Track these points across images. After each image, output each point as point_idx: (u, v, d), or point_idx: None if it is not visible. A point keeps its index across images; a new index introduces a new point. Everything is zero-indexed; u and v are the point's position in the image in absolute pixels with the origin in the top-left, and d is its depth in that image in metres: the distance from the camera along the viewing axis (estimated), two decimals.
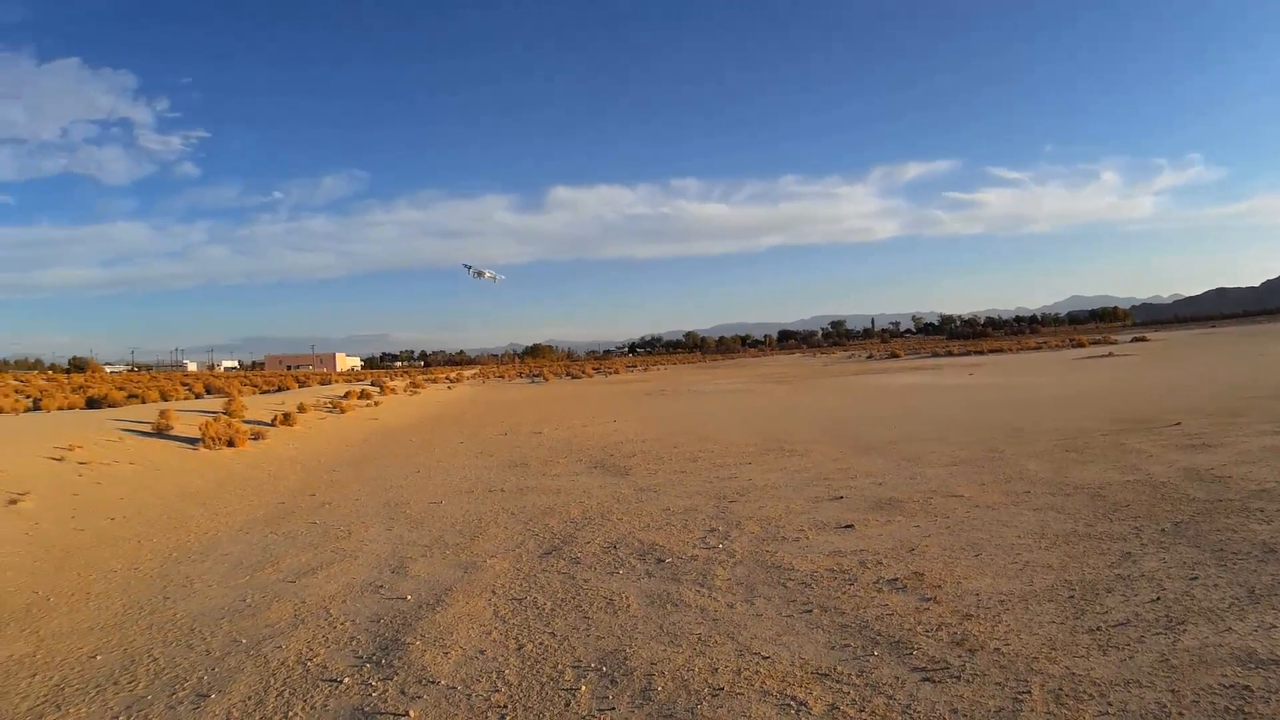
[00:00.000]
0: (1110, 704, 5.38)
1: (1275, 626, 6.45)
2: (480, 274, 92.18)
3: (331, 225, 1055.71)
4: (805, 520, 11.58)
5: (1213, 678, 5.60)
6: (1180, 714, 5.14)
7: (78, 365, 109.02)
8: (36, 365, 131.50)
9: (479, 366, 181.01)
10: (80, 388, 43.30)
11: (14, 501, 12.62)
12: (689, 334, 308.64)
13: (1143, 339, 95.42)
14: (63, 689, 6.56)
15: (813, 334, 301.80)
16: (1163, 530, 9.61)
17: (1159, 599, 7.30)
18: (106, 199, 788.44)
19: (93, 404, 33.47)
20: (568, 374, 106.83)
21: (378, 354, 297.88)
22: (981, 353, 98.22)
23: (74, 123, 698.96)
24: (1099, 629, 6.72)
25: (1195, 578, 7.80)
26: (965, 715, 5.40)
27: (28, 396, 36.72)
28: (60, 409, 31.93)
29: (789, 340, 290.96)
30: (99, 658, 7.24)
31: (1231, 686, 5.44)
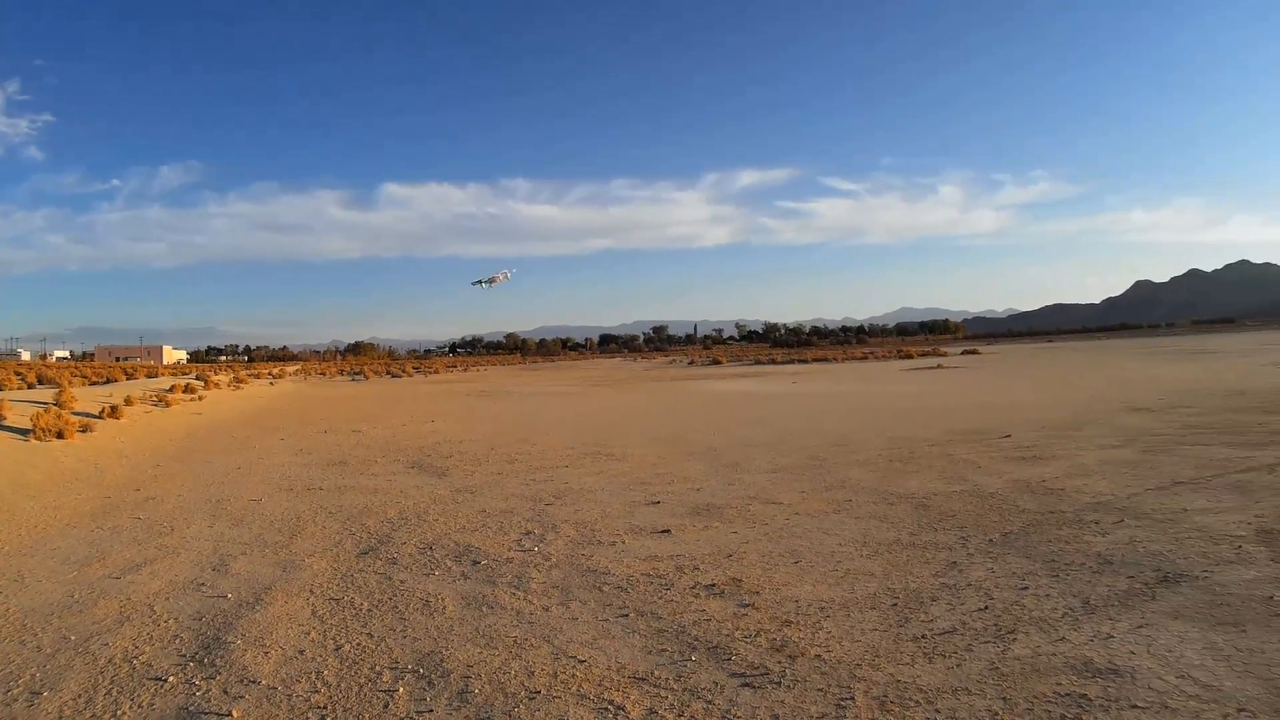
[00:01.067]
0: (939, 710, 5.42)
1: (1112, 636, 6.57)
2: (491, 280, 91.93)
3: (167, 215, 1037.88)
4: (622, 524, 11.68)
5: (1047, 686, 5.68)
6: None
7: None
8: None
9: (302, 363, 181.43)
10: None
11: None
12: (510, 335, 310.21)
13: (974, 351, 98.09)
14: None
15: (635, 339, 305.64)
16: (991, 541, 9.79)
17: (987, 608, 7.42)
18: None
19: None
20: (388, 373, 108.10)
21: (204, 347, 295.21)
22: (806, 361, 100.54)
23: None
24: (924, 636, 6.80)
25: (1026, 588, 7.95)
26: None
27: None
28: None
29: (610, 344, 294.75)
30: None
31: (1068, 695, 5.51)
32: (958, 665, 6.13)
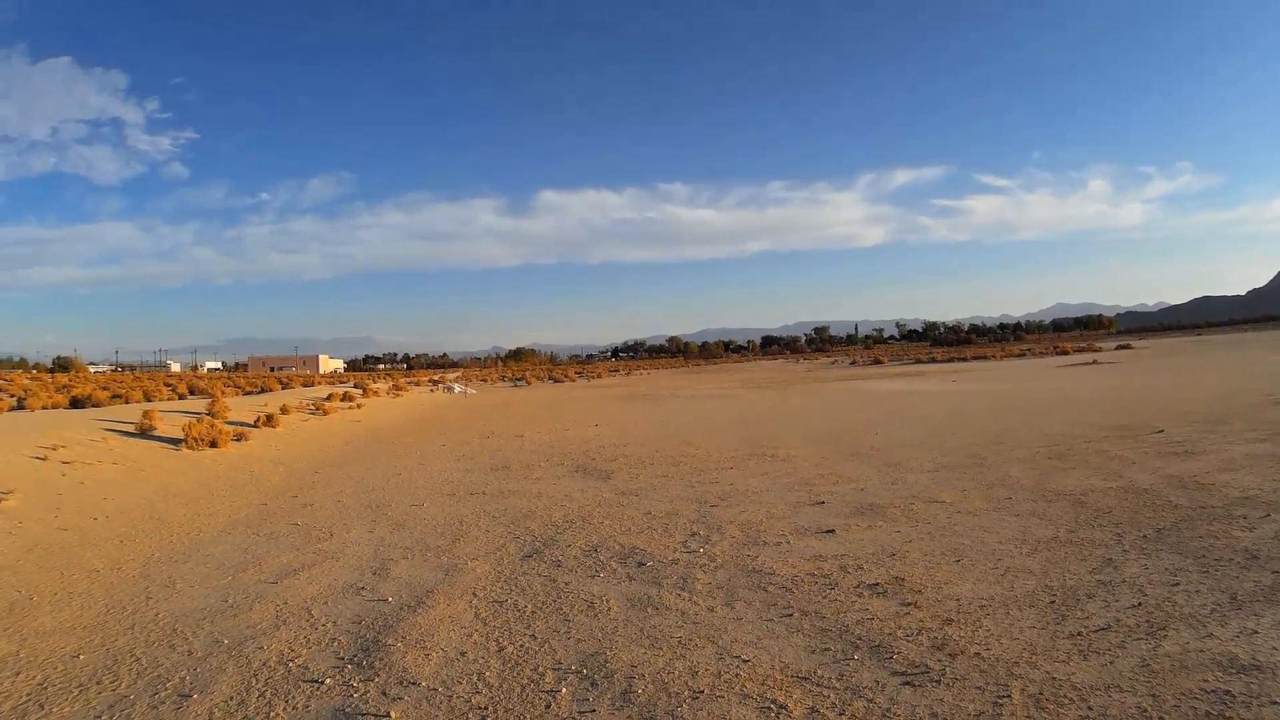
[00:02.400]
0: (1091, 708, 5.38)
1: (1257, 632, 6.47)
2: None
3: (318, 227, 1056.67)
4: (786, 525, 11.59)
5: (1193, 682, 5.61)
6: (1161, 718, 5.15)
7: (62, 365, 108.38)
8: (21, 364, 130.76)
9: (462, 370, 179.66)
10: (64, 387, 43.15)
11: None
12: (672, 339, 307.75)
13: (1127, 346, 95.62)
14: (45, 688, 6.52)
15: (796, 340, 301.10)
16: (1144, 536, 9.63)
17: (1140, 604, 7.32)
18: (95, 198, 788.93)
19: (76, 404, 33.30)
20: (550, 378, 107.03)
21: (361, 356, 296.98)
22: (965, 359, 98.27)
23: (64, 122, 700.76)
24: (1080, 634, 6.72)
25: (1177, 583, 7.82)
26: (944, 719, 5.40)
27: (11, 395, 36.56)
28: (44, 408, 31.76)
29: (772, 346, 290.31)
30: (82, 657, 7.21)
31: (1213, 691, 5.45)
32: (1111, 662, 6.09)
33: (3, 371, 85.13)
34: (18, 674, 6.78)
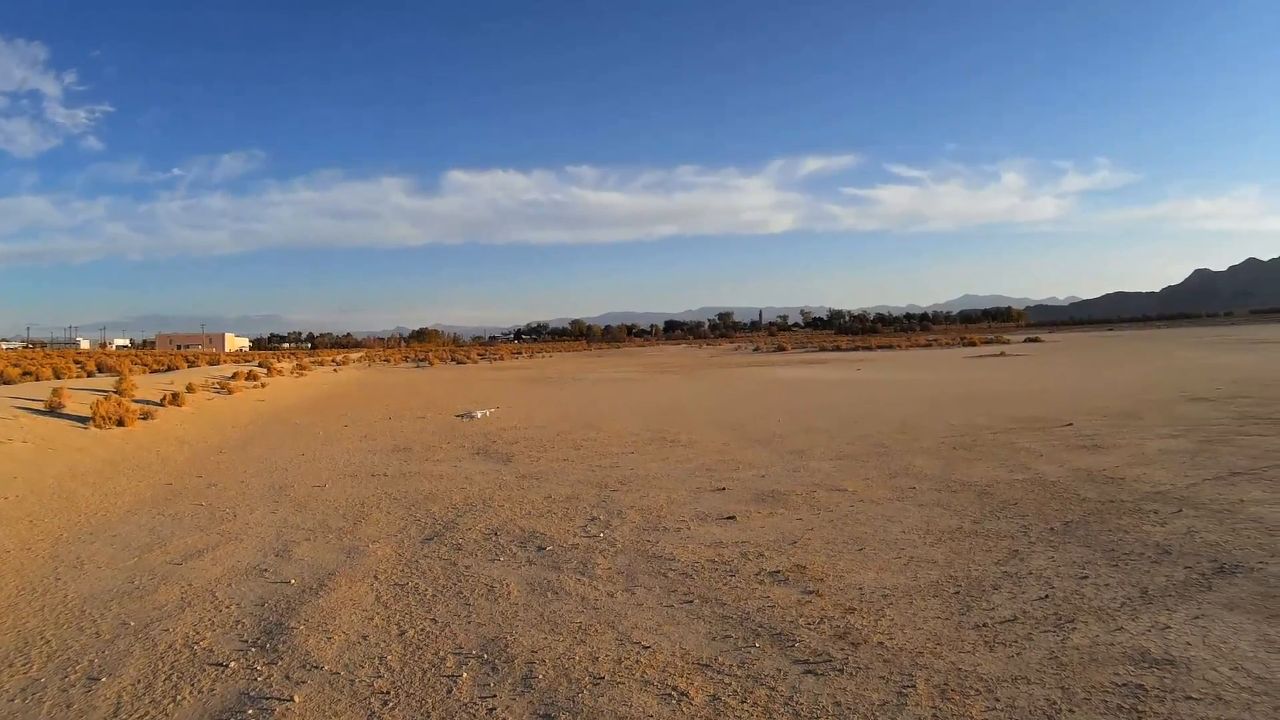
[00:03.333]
0: (998, 699, 5.43)
1: (1169, 627, 6.56)
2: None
3: (229, 204, 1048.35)
4: (688, 511, 11.70)
5: (1104, 676, 5.68)
6: (1071, 711, 5.20)
7: None
8: None
9: (365, 350, 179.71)
10: None
11: None
12: (575, 322, 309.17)
13: (1036, 340, 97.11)
14: None
15: (700, 325, 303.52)
16: (1052, 529, 9.78)
17: (1048, 597, 7.42)
18: (12, 172, 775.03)
19: None
20: (453, 359, 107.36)
21: (267, 335, 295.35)
22: (870, 348, 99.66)
23: None
24: (985, 625, 6.81)
25: (1085, 577, 7.93)
26: (849, 708, 5.44)
27: None
28: None
29: (675, 331, 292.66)
30: None
31: (1124, 685, 5.52)
32: (1018, 654, 6.15)
33: None
34: None
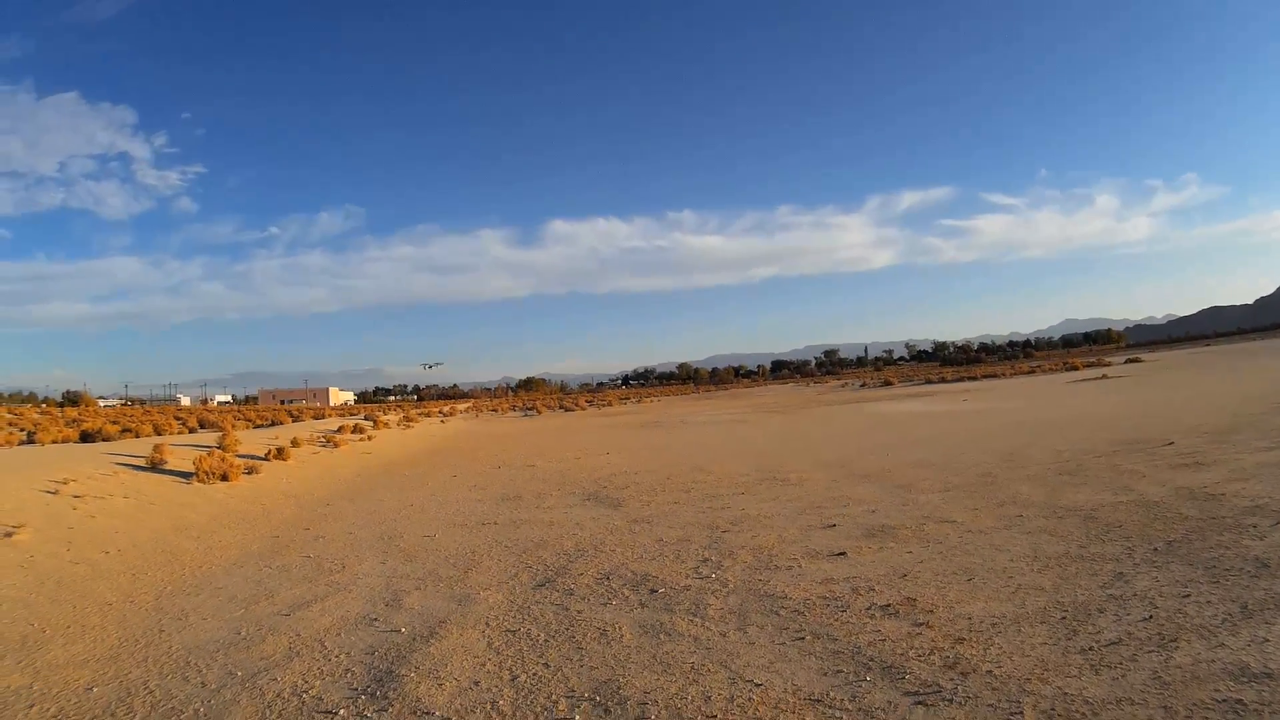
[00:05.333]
0: None
1: (1268, 640, 6.48)
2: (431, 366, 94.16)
3: (327, 261, 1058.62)
4: (798, 548, 11.59)
5: (1205, 693, 5.62)
6: None
7: (71, 399, 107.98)
8: (30, 399, 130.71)
9: (472, 400, 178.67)
10: (74, 421, 43.15)
11: (9, 534, 12.55)
12: (682, 365, 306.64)
13: (1136, 360, 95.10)
14: None
15: (806, 363, 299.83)
16: (1155, 549, 9.62)
17: (1151, 617, 7.33)
18: (103, 234, 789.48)
19: (86, 438, 33.22)
20: (561, 407, 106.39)
21: (371, 388, 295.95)
22: (975, 378, 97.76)
23: (72, 157, 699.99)
24: (1091, 649, 6.74)
25: (1188, 595, 7.82)
26: None
27: (21, 430, 36.53)
28: (54, 442, 31.66)
29: (782, 370, 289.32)
30: (95, 690, 7.20)
31: (1224, 701, 5.46)
32: (1122, 676, 6.10)
33: (12, 406, 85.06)
34: (31, 706, 6.78)
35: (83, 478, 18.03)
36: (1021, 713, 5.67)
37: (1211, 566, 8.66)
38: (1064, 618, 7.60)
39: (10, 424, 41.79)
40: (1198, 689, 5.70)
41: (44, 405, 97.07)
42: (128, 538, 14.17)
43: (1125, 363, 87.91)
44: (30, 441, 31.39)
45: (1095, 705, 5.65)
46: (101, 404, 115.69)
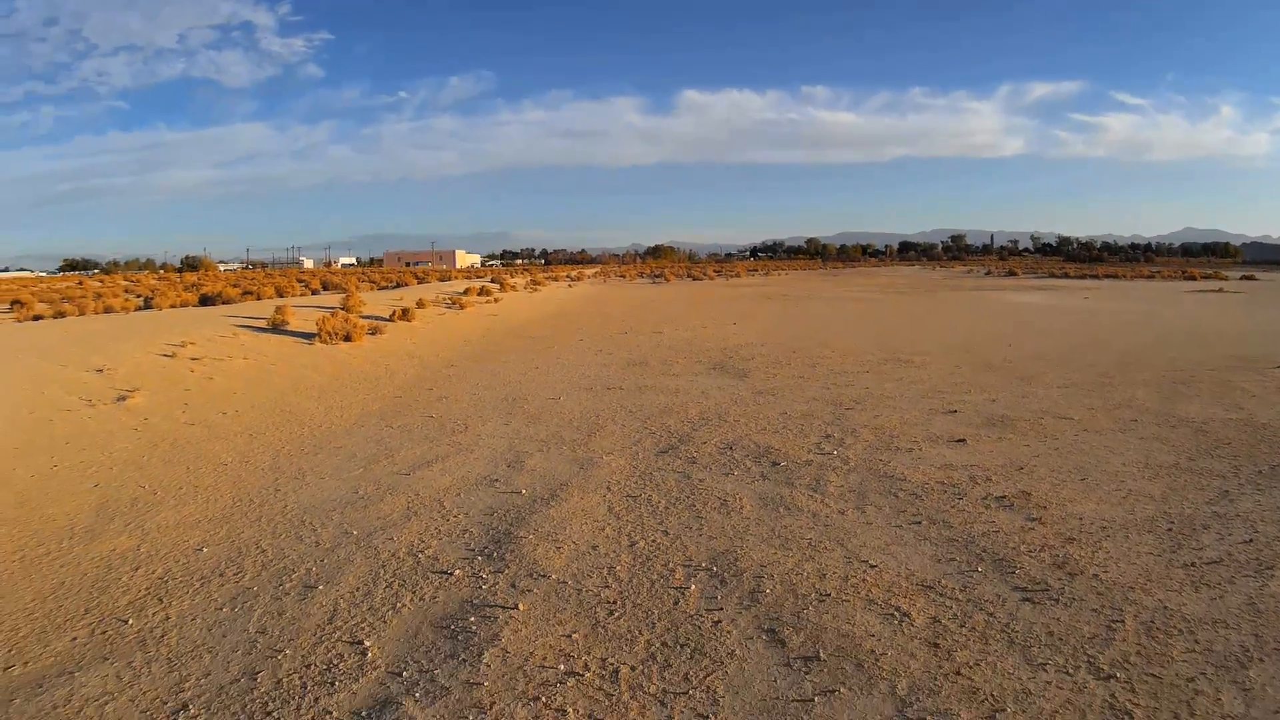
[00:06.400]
0: (1198, 641, 5.35)
1: None
2: None
3: (457, 124, 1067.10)
4: (919, 431, 11.75)
5: None
6: (1262, 660, 5.09)
7: (190, 264, 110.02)
8: (148, 265, 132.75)
9: (600, 266, 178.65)
10: (193, 286, 43.95)
11: (123, 398, 12.85)
12: (810, 240, 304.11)
13: (1251, 277, 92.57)
14: (166, 581, 6.61)
15: (932, 247, 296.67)
16: (1260, 472, 9.42)
17: (1252, 540, 7.21)
18: (227, 102, 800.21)
19: (206, 301, 33.90)
20: (689, 275, 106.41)
21: (499, 252, 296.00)
22: (1097, 277, 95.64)
23: (192, 29, 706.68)
24: (1193, 565, 6.69)
25: None
26: (1060, 639, 5.43)
27: (139, 295, 37.11)
28: (172, 307, 32.33)
29: (909, 252, 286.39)
30: (205, 550, 7.34)
31: None
32: (1219, 597, 6.04)
33: (129, 273, 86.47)
34: (137, 569, 6.90)
35: (201, 340, 18.41)
36: (1123, 621, 5.66)
37: None
38: (1170, 529, 7.55)
39: (127, 290, 42.54)
40: None
41: (162, 271, 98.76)
42: (246, 399, 14.49)
43: (1240, 279, 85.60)
44: (147, 307, 32.00)
45: (1192, 623, 5.61)
46: (222, 268, 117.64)
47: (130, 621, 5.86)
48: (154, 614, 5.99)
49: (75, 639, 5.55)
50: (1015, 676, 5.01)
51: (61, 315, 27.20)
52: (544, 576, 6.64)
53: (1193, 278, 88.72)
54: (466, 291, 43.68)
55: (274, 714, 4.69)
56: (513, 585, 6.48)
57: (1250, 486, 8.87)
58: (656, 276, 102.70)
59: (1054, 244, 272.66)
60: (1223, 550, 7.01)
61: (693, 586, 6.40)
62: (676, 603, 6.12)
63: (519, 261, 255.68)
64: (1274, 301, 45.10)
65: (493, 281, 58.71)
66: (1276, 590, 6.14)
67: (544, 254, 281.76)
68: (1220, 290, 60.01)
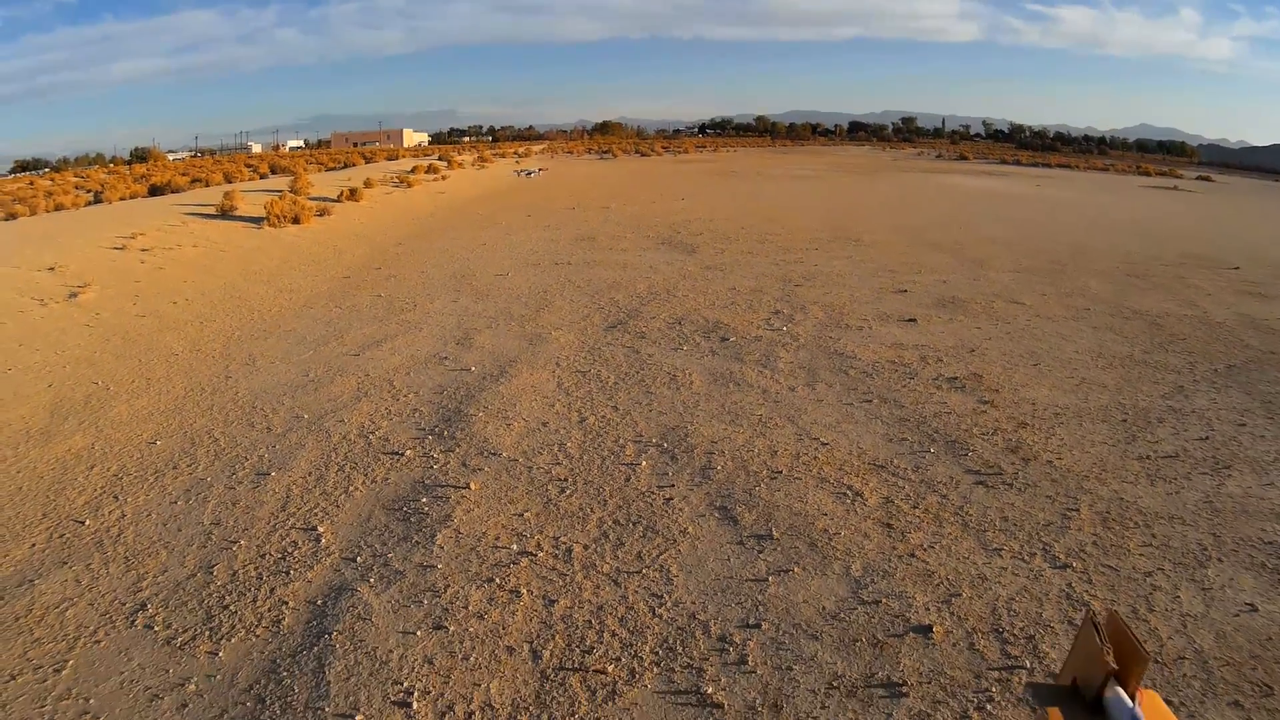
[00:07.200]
0: (1154, 536, 5.45)
1: None
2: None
3: (403, 2, 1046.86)
4: (869, 310, 11.90)
5: (1253, 529, 5.59)
6: (1220, 560, 5.16)
7: (139, 156, 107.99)
8: (98, 159, 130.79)
9: (548, 142, 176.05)
10: (142, 177, 43.00)
11: (74, 294, 12.63)
12: (759, 118, 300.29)
13: (1207, 178, 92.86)
14: (121, 478, 6.58)
15: (883, 128, 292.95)
16: (1215, 370, 9.50)
17: (1208, 438, 7.29)
18: None
19: (155, 192, 33.21)
20: (637, 152, 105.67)
21: (446, 130, 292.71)
22: (1049, 166, 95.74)
23: None
24: (1148, 458, 6.78)
25: (1244, 424, 7.73)
26: (1015, 525, 5.53)
27: (88, 191, 36.53)
28: (122, 199, 31.37)
29: (859, 132, 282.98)
30: (158, 443, 7.31)
31: (1271, 543, 5.40)
32: (1176, 493, 6.12)
33: (79, 169, 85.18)
34: (92, 467, 6.84)
35: (151, 231, 18.07)
36: (1078, 510, 5.77)
37: (1269, 401, 8.48)
38: (1124, 420, 7.68)
39: (77, 185, 41.83)
40: (1245, 524, 5.66)
41: (111, 165, 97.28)
42: (196, 287, 14.32)
43: (1196, 178, 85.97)
44: (98, 201, 31.24)
45: (1149, 516, 5.71)
46: (170, 158, 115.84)
47: (87, 522, 5.82)
48: (110, 513, 5.96)
49: (34, 545, 5.50)
50: (970, 561, 5.10)
51: (13, 217, 26.69)
52: (495, 455, 6.69)
53: (1147, 173, 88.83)
54: (414, 170, 42.96)
55: (231, 607, 4.72)
56: (464, 464, 6.53)
57: (1206, 384, 8.96)
58: (604, 153, 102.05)
59: (1006, 131, 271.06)
60: (1178, 445, 7.10)
61: (644, 463, 6.46)
62: (628, 480, 6.18)
63: (466, 139, 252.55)
64: (1229, 203, 45.36)
65: (440, 159, 58.09)
66: (1234, 490, 6.21)
67: (491, 130, 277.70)
68: (1175, 188, 60.25)
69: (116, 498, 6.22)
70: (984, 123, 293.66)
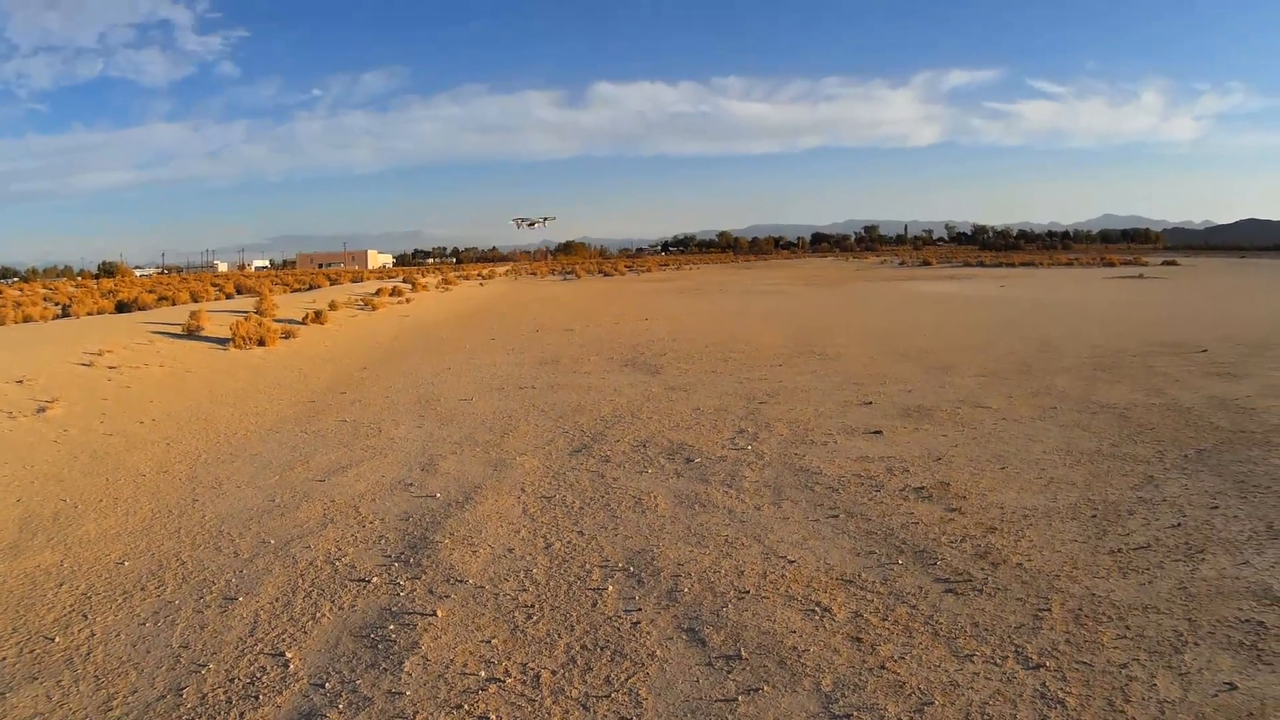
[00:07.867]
0: (1129, 627, 5.41)
1: None
2: (532, 223, 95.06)
3: (370, 121, 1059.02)
4: (834, 424, 11.84)
5: (1229, 610, 5.60)
6: (1196, 644, 5.15)
7: (107, 270, 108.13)
8: (66, 272, 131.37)
9: (512, 263, 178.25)
10: (110, 292, 43.18)
11: (43, 409, 12.58)
12: (722, 234, 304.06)
13: (1173, 263, 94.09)
14: (90, 597, 6.51)
15: (845, 238, 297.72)
16: (1186, 456, 9.60)
17: (1180, 525, 7.33)
18: (143, 101, 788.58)
19: (122, 308, 33.35)
20: (600, 271, 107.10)
21: (410, 251, 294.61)
22: (1013, 265, 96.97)
23: (112, 27, 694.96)
24: (1120, 551, 6.78)
25: (1216, 507, 7.79)
26: (986, 629, 5.48)
27: (56, 304, 36.58)
28: (90, 314, 31.62)
29: (822, 243, 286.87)
30: (127, 564, 7.23)
31: (1247, 621, 5.42)
32: (1149, 582, 6.12)
33: (48, 280, 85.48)
34: (61, 585, 6.78)
35: (118, 348, 18.07)
36: (1050, 610, 5.72)
37: (1240, 481, 8.59)
38: (1094, 516, 7.68)
39: (45, 298, 41.91)
40: (1221, 605, 5.68)
41: (79, 278, 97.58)
42: (163, 407, 14.22)
43: (1162, 264, 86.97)
44: (66, 315, 31.36)
45: (1122, 609, 5.68)
46: (138, 274, 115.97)
47: (57, 639, 5.76)
48: (79, 631, 5.90)
49: (4, 659, 5.43)
50: (942, 669, 5.04)
51: None
52: (461, 581, 6.63)
53: (1112, 264, 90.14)
54: (379, 292, 43.89)
55: None
56: (430, 591, 6.46)
57: (1176, 471, 9.04)
58: (568, 273, 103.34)
59: (969, 233, 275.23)
60: (1150, 535, 7.12)
61: (610, 587, 6.41)
62: (595, 604, 6.12)
63: (430, 260, 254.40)
64: (1195, 285, 46.10)
65: (404, 282, 59.16)
66: (1208, 574, 6.24)
67: (455, 252, 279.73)
68: (1140, 276, 61.06)
69: (86, 616, 6.16)
70: (946, 226, 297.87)
